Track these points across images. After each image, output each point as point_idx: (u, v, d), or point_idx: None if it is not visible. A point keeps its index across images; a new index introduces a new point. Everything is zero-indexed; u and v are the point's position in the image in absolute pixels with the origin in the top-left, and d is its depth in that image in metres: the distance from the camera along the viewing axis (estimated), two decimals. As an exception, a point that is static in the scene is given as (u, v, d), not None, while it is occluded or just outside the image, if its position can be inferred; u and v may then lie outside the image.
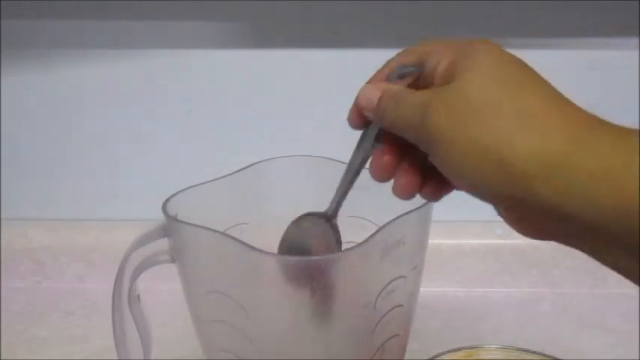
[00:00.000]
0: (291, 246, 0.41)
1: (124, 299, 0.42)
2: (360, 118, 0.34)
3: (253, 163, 0.48)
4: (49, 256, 0.70)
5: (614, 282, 0.67)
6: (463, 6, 0.64)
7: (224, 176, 0.47)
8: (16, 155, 0.71)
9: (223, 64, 0.67)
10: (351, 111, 0.35)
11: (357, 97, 0.34)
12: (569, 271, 0.68)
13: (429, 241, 0.43)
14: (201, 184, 0.45)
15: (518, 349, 0.50)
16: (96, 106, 0.69)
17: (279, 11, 0.65)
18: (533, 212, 0.27)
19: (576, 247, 0.28)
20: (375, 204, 0.43)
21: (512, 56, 0.29)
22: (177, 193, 0.43)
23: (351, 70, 0.67)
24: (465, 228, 0.70)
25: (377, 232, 0.37)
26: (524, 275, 0.69)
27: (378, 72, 0.35)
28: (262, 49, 0.66)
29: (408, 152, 0.33)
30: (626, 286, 0.73)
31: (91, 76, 0.68)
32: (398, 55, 0.34)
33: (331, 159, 0.48)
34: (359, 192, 0.46)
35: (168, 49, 0.66)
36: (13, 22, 0.66)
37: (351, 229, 0.43)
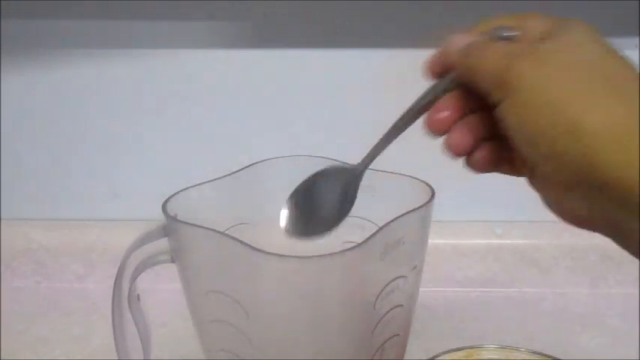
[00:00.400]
0: (299, 202, 0.40)
1: (124, 299, 0.42)
2: (439, 64, 0.34)
3: (253, 163, 0.48)
4: (49, 256, 0.70)
5: (614, 282, 0.67)
6: (463, 6, 0.64)
7: (224, 176, 0.47)
8: (16, 155, 0.71)
9: (223, 64, 0.67)
10: (433, 57, 0.34)
11: (447, 39, 0.33)
12: (569, 271, 0.68)
13: (429, 241, 0.43)
14: (201, 184, 0.45)
15: (518, 349, 0.50)
16: (96, 106, 0.69)
17: (279, 11, 0.65)
18: (591, 184, 0.26)
19: (611, 232, 0.28)
20: (375, 204, 0.43)
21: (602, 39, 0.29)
22: (177, 193, 0.43)
23: (351, 70, 0.67)
24: (465, 228, 0.70)
25: (377, 232, 0.37)
26: (524, 275, 0.69)
27: (473, 28, 0.34)
28: (262, 49, 0.66)
29: (468, 113, 0.33)
30: (626, 286, 0.73)
31: (91, 76, 0.68)
32: (495, 17, 0.34)
33: (331, 159, 0.48)
34: (359, 192, 0.46)
35: (168, 49, 0.66)
36: (13, 22, 0.66)
37: (351, 229, 0.43)
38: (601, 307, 0.65)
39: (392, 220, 0.37)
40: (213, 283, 0.40)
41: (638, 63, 0.68)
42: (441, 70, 0.34)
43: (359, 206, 0.41)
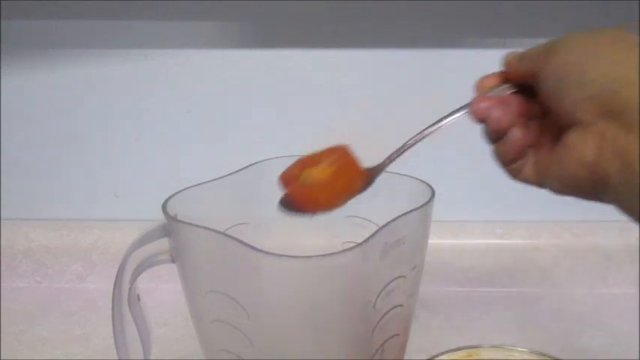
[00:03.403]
0: None
1: (124, 299, 0.42)
2: (494, 78, 0.39)
3: (253, 163, 0.48)
4: (49, 256, 0.70)
5: (614, 282, 0.67)
6: (463, 6, 0.64)
7: (224, 176, 0.47)
8: (16, 155, 0.71)
9: (223, 64, 0.67)
10: (490, 76, 0.39)
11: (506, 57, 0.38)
12: (569, 271, 0.68)
13: (429, 241, 0.43)
14: (201, 184, 0.45)
15: (518, 349, 0.50)
16: (96, 106, 0.69)
17: (279, 11, 0.65)
18: (612, 110, 0.30)
19: (614, 171, 0.30)
20: (375, 204, 0.43)
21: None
22: (177, 193, 0.43)
23: (351, 70, 0.67)
24: (465, 228, 0.70)
25: (377, 232, 0.37)
26: (524, 275, 0.69)
27: None
28: (262, 49, 0.67)
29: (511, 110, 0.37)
30: (625, 286, 0.73)
31: (91, 76, 0.68)
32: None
33: (331, 159, 0.48)
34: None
35: (168, 49, 0.66)
36: (13, 22, 0.66)
37: (351, 229, 0.43)
38: (601, 307, 0.65)
39: (392, 220, 0.37)
40: (213, 283, 0.40)
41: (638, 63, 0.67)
42: (489, 85, 0.39)
43: (359, 206, 0.41)
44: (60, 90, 0.68)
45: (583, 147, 0.32)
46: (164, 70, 0.67)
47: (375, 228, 0.38)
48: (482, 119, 0.37)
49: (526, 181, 0.37)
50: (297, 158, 0.49)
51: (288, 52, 0.66)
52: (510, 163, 0.37)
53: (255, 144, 0.69)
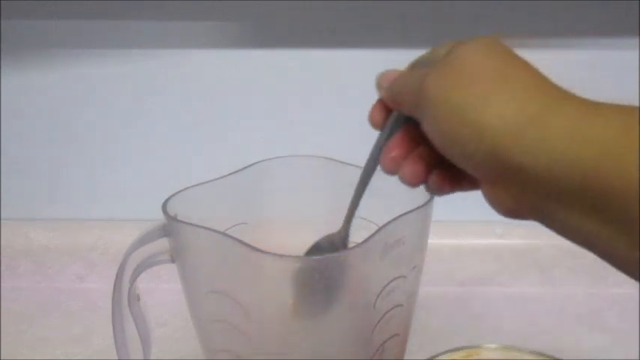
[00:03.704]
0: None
1: (124, 299, 0.42)
2: (381, 110, 0.38)
3: (253, 163, 0.48)
4: (49, 256, 0.70)
5: (614, 282, 0.67)
6: (463, 6, 0.64)
7: (224, 176, 0.47)
8: (16, 155, 0.71)
9: (223, 64, 0.67)
10: (373, 107, 0.38)
11: (377, 81, 0.38)
12: (569, 271, 0.68)
13: (429, 241, 0.43)
14: (201, 184, 0.45)
15: (518, 349, 0.50)
16: (96, 106, 0.69)
17: (279, 11, 0.65)
18: (504, 177, 0.28)
19: (540, 218, 0.29)
20: (375, 204, 0.43)
21: (503, 44, 0.31)
22: (177, 193, 0.43)
23: (351, 70, 0.67)
24: (465, 228, 0.70)
25: (377, 232, 0.37)
26: (524, 275, 0.69)
27: (399, 70, 0.38)
28: (262, 49, 0.66)
29: (416, 147, 0.35)
30: (625, 286, 0.73)
31: (91, 76, 0.68)
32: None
33: (331, 159, 0.48)
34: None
35: (168, 49, 0.66)
36: (13, 22, 0.66)
37: (352, 229, 0.43)
38: (601, 307, 0.65)
39: (392, 220, 0.37)
40: (213, 283, 0.40)
41: (638, 63, 0.68)
42: (381, 118, 0.38)
43: (359, 206, 0.41)
44: (60, 90, 0.68)
45: (500, 199, 0.30)
46: (164, 70, 0.67)
47: (375, 228, 0.38)
48: (394, 173, 0.36)
49: (471, 190, 0.36)
50: (297, 158, 0.49)
51: (288, 52, 0.66)
52: (446, 192, 0.36)
53: (255, 144, 0.69)
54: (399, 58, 0.66)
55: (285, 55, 0.66)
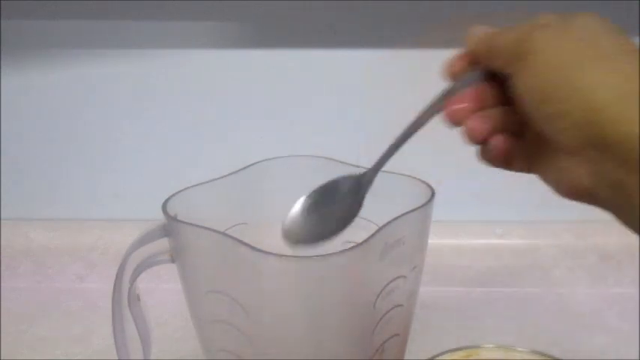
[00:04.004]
0: (305, 211, 0.40)
1: (124, 299, 0.42)
2: (462, 60, 0.36)
3: (253, 163, 0.48)
4: (49, 256, 0.70)
5: (614, 282, 0.67)
6: (463, 6, 0.64)
7: (224, 176, 0.47)
8: (16, 155, 0.71)
9: (223, 64, 0.67)
10: (455, 55, 0.36)
11: (470, 30, 0.36)
12: (569, 271, 0.68)
13: (429, 241, 0.43)
14: (201, 184, 0.45)
15: (518, 349, 0.50)
16: (96, 106, 0.69)
17: (279, 11, 0.65)
18: (595, 144, 0.28)
19: (611, 200, 0.29)
20: (375, 204, 0.43)
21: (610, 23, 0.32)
22: (177, 193, 0.43)
23: (351, 70, 0.67)
24: (465, 228, 0.70)
25: (377, 232, 0.37)
26: (524, 275, 0.69)
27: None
28: (262, 49, 0.66)
29: (485, 107, 0.34)
30: (625, 286, 0.73)
31: (91, 76, 0.68)
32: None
33: (331, 159, 0.48)
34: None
35: (168, 49, 0.66)
36: (13, 22, 0.66)
37: (351, 229, 0.43)
38: (601, 307, 0.65)
39: (392, 220, 0.37)
40: (213, 283, 0.40)
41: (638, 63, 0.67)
42: (459, 70, 0.36)
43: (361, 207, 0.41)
44: (60, 90, 0.68)
45: (576, 173, 0.30)
46: (164, 70, 0.67)
47: (375, 228, 0.38)
48: (457, 124, 0.35)
49: (520, 171, 0.36)
50: (297, 158, 0.49)
51: (288, 52, 0.66)
52: (499, 164, 0.35)
53: (255, 144, 0.69)
54: (399, 59, 0.66)
55: (285, 55, 0.66)
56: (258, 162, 0.48)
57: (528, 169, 0.35)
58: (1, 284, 0.69)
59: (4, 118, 0.69)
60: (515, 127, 0.34)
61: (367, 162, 0.46)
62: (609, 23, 0.31)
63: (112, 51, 0.67)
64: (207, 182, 0.45)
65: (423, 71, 0.66)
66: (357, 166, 0.47)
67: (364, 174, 0.39)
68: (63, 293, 0.68)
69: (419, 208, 0.39)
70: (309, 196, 0.40)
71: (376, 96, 0.67)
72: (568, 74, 0.28)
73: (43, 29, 0.66)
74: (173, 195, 0.42)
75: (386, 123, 0.70)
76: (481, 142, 0.34)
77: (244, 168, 0.48)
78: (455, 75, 0.36)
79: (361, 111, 0.68)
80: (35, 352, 0.58)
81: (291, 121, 0.68)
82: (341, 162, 0.48)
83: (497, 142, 0.34)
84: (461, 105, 0.34)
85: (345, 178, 0.40)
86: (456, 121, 0.34)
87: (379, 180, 0.42)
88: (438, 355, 0.49)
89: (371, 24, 0.65)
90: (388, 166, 0.44)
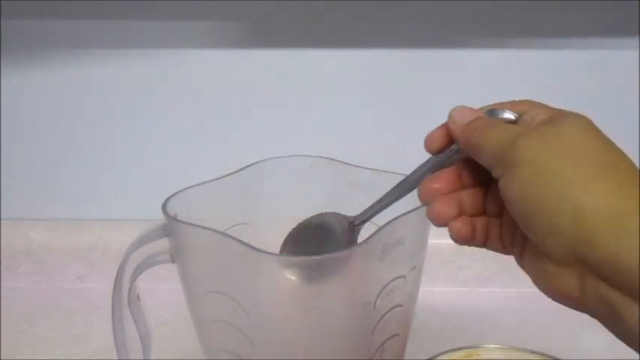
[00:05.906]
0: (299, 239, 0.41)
1: (124, 299, 0.42)
2: (443, 137, 0.35)
3: (253, 163, 0.48)
4: (49, 256, 0.70)
5: (614, 282, 0.67)
6: (463, 6, 0.64)
7: (224, 176, 0.47)
8: (16, 155, 0.71)
9: (223, 64, 0.67)
10: (436, 130, 0.35)
11: (450, 114, 0.34)
12: (569, 271, 0.68)
13: (429, 241, 0.43)
14: (201, 184, 0.45)
15: (518, 349, 0.50)
16: (96, 106, 0.69)
17: (279, 11, 0.65)
18: (587, 263, 0.27)
19: (602, 315, 0.29)
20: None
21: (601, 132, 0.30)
22: (177, 193, 0.43)
23: (351, 70, 0.67)
24: (464, 228, 0.69)
25: (377, 232, 0.37)
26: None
27: (474, 110, 0.35)
28: (262, 49, 0.67)
29: (459, 189, 0.34)
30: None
31: (91, 76, 0.68)
32: (495, 103, 0.35)
33: (331, 159, 0.48)
34: (359, 192, 0.46)
35: (168, 49, 0.66)
36: (13, 22, 0.66)
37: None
38: (601, 307, 0.65)
39: (392, 220, 0.37)
40: (213, 283, 0.40)
41: (638, 63, 0.68)
42: (440, 147, 0.35)
43: (359, 206, 0.41)
44: (60, 90, 0.68)
45: (564, 281, 0.29)
46: (164, 70, 0.67)
47: (375, 228, 0.38)
48: (427, 204, 0.34)
49: (495, 251, 0.36)
50: (297, 158, 0.49)
51: (288, 52, 0.66)
52: (464, 244, 0.35)
53: (255, 144, 0.69)
54: (400, 58, 0.66)
55: (285, 55, 0.66)
56: (258, 162, 0.48)
57: (504, 251, 0.35)
58: (1, 284, 0.69)
59: (4, 118, 0.69)
60: (493, 208, 0.34)
61: (367, 162, 0.46)
62: (594, 126, 0.30)
63: (112, 51, 0.67)
64: (207, 182, 0.45)
65: (423, 71, 0.67)
66: (358, 166, 0.47)
67: (353, 221, 0.40)
68: (63, 293, 0.68)
69: (419, 208, 0.39)
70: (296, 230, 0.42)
71: (376, 96, 0.67)
72: (560, 190, 0.27)
73: (43, 29, 0.66)
74: (173, 195, 0.42)
75: (386, 123, 0.70)
76: (444, 225, 0.34)
77: (244, 168, 0.48)
78: (435, 150, 0.35)
79: (361, 111, 0.68)
80: (35, 352, 0.58)
81: (291, 121, 0.68)
82: (341, 162, 0.48)
83: (454, 226, 0.33)
84: (434, 185, 0.34)
85: (334, 218, 0.41)
86: (426, 200, 0.34)
87: (379, 180, 0.42)
88: (438, 355, 0.49)
89: (371, 24, 0.65)
90: (388, 166, 0.44)
